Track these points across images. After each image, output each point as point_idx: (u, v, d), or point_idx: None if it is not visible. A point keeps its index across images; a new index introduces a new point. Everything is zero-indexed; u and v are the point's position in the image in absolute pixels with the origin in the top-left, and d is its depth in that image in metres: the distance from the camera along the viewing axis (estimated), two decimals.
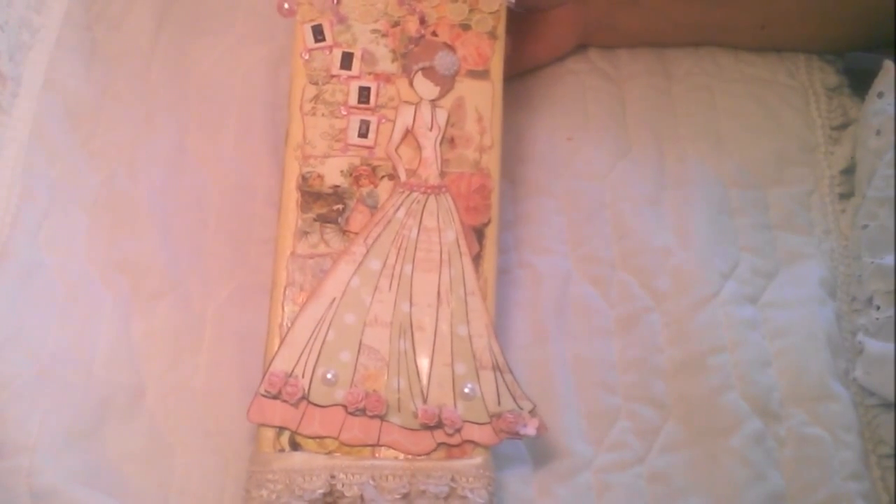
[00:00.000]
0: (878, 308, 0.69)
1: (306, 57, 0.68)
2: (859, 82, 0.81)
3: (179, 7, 0.84)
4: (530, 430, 0.64)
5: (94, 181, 0.75)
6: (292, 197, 0.66)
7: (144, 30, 0.82)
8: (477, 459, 0.64)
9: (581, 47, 0.84)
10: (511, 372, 0.65)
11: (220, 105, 0.80)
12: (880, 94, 0.72)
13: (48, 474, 0.63)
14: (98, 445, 0.66)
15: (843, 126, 0.80)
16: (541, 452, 0.68)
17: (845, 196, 0.78)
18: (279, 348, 0.64)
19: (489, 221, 0.67)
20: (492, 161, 0.68)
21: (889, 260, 0.69)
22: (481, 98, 0.68)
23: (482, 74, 0.69)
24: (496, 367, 0.65)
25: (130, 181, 0.75)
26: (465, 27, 0.69)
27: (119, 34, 0.82)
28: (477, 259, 0.66)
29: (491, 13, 0.69)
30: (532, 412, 0.65)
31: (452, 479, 0.63)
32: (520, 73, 0.80)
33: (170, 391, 0.69)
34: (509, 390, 0.65)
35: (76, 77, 0.78)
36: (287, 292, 0.65)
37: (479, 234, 0.67)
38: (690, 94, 0.82)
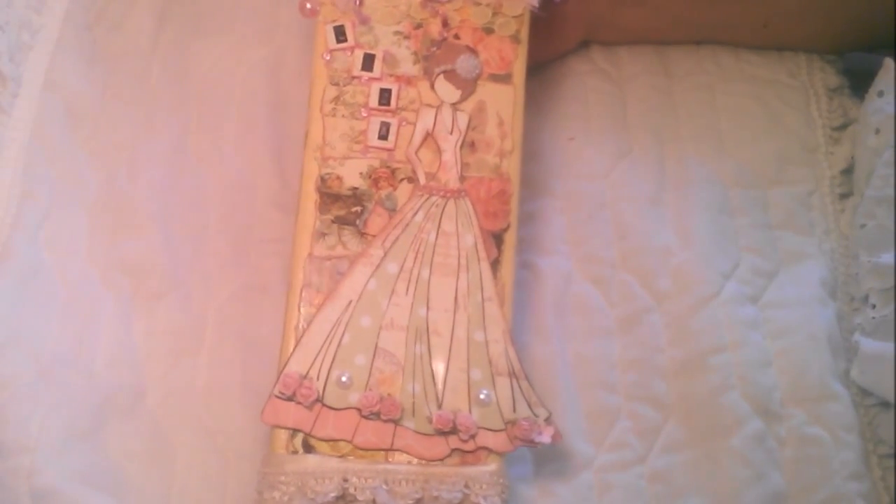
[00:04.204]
0: (874, 307, 0.70)
1: (327, 57, 0.68)
2: (860, 83, 0.81)
3: (179, 7, 0.83)
4: (545, 438, 0.64)
5: (94, 181, 0.74)
6: (310, 198, 0.66)
7: (144, 30, 0.81)
8: (491, 466, 0.64)
9: (583, 47, 0.84)
10: (527, 378, 0.65)
11: (221, 105, 0.80)
12: (880, 93, 0.72)
13: (49, 474, 0.63)
14: (99, 445, 0.66)
15: (844, 126, 0.81)
16: (542, 452, 0.68)
17: (846, 196, 0.79)
18: (294, 350, 0.63)
19: (508, 227, 0.67)
20: (512, 166, 0.68)
21: (886, 258, 0.70)
22: (503, 102, 0.68)
23: (504, 78, 0.69)
24: (512, 374, 0.65)
25: (130, 181, 0.75)
26: (488, 30, 0.69)
27: (119, 34, 0.81)
28: (495, 264, 0.66)
29: (514, 17, 0.69)
30: (548, 420, 0.64)
31: (466, 486, 0.63)
32: None
33: (171, 391, 0.69)
34: (525, 397, 0.65)
35: (76, 77, 0.77)
36: (303, 294, 0.65)
37: (497, 239, 0.67)
38: (691, 94, 0.82)
